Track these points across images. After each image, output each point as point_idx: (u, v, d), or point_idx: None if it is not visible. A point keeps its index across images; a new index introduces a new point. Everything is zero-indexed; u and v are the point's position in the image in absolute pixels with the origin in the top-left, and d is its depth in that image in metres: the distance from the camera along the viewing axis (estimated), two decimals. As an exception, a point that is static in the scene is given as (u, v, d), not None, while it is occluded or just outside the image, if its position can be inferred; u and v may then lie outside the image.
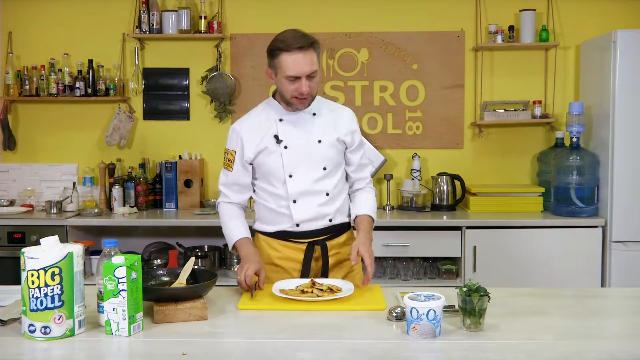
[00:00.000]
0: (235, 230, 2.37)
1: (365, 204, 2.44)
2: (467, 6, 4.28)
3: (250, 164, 2.38)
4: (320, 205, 2.35)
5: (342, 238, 2.44)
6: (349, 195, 2.49)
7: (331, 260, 2.40)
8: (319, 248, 2.38)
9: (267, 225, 2.42)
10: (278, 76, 2.27)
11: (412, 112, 4.32)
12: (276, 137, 2.33)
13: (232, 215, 2.41)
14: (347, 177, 2.48)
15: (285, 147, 2.33)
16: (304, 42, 2.20)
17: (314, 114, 2.37)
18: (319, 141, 2.35)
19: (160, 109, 4.39)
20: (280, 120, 2.35)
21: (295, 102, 2.29)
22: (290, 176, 2.33)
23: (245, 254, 2.27)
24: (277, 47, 2.23)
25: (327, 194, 2.36)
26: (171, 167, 4.20)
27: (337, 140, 2.37)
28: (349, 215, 2.47)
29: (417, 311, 1.71)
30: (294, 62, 2.20)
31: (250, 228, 2.43)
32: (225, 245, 4.09)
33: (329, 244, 2.39)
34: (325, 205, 2.36)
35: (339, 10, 4.30)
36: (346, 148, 2.42)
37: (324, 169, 2.35)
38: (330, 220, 2.38)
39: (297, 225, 2.36)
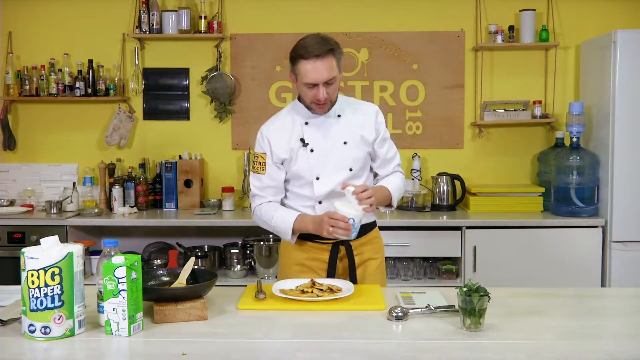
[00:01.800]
0: (289, 213, 2.37)
1: (388, 181, 2.46)
2: (467, 6, 4.28)
3: (282, 163, 2.39)
4: None
5: (366, 237, 2.44)
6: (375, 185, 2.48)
7: (356, 260, 2.41)
8: (344, 248, 2.39)
9: None
10: (298, 82, 2.31)
11: (412, 112, 4.32)
12: (302, 140, 2.37)
13: (277, 207, 2.41)
14: (374, 176, 2.52)
15: (312, 151, 2.36)
16: (322, 49, 2.22)
17: (339, 116, 2.40)
18: (345, 142, 2.37)
19: (160, 109, 4.38)
20: (306, 123, 2.38)
21: (315, 108, 2.33)
22: (318, 178, 2.36)
23: (315, 218, 2.30)
24: (297, 53, 2.26)
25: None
26: (171, 167, 4.20)
27: (362, 138, 2.39)
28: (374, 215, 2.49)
29: (341, 214, 2.15)
30: (312, 69, 2.23)
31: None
32: (225, 245, 4.09)
33: (354, 243, 2.39)
34: None
35: (339, 10, 4.30)
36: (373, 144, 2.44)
37: (350, 170, 2.37)
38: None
39: None
